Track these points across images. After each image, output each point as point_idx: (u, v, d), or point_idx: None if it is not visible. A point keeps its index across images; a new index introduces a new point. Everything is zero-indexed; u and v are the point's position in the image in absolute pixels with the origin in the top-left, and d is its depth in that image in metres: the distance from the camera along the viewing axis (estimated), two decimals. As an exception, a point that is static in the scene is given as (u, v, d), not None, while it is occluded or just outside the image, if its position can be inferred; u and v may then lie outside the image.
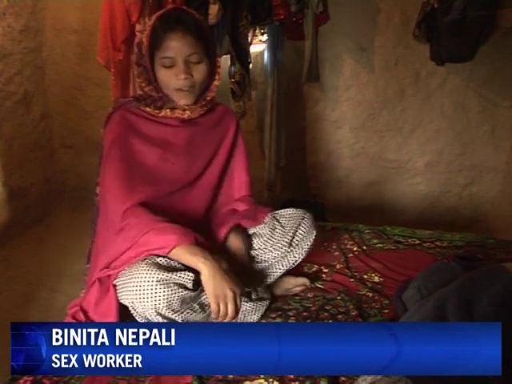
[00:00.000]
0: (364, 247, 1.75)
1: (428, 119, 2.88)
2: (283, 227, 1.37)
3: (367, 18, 2.74)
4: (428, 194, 3.04)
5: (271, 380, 1.04)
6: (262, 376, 1.06)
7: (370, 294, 1.43)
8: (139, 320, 1.08)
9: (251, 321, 1.25)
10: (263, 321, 1.29)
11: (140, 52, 1.27)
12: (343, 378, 1.05)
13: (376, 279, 1.53)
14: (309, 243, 1.38)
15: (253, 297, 1.32)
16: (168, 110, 1.28)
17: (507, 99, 2.74)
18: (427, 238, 1.83)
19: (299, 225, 1.37)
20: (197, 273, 1.07)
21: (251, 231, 1.37)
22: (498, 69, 2.68)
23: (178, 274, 1.05)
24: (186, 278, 1.06)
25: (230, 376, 1.07)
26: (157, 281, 1.03)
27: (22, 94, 2.72)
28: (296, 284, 1.42)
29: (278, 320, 1.30)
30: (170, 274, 1.04)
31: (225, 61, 2.51)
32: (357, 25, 2.76)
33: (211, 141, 1.37)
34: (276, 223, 1.37)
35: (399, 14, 2.69)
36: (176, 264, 1.09)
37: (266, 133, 2.79)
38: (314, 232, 1.38)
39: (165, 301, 1.03)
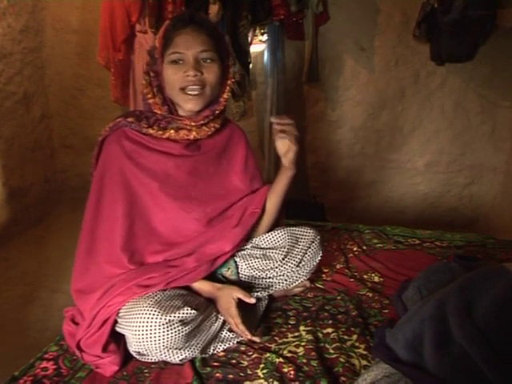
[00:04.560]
0: (364, 247, 1.75)
1: (428, 119, 2.88)
2: (294, 249, 1.34)
3: (367, 17, 2.74)
4: (428, 194, 3.04)
5: (271, 380, 1.04)
6: (261, 376, 1.06)
7: (370, 294, 1.42)
8: (132, 350, 1.09)
9: (253, 321, 1.25)
10: (263, 321, 1.29)
11: (152, 57, 1.18)
12: (343, 378, 1.05)
13: (376, 279, 1.52)
14: (314, 263, 1.39)
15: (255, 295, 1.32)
16: (172, 131, 1.18)
17: (507, 99, 2.74)
18: (427, 238, 1.83)
19: (309, 247, 1.36)
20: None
21: (263, 252, 1.34)
22: (498, 69, 2.68)
23: (181, 312, 1.04)
24: (188, 314, 1.05)
25: (230, 376, 1.07)
26: (163, 324, 1.01)
27: (22, 94, 2.73)
28: (296, 285, 1.42)
29: (278, 320, 1.30)
30: (173, 314, 1.02)
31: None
32: (357, 25, 2.76)
33: (215, 172, 1.29)
34: (288, 246, 1.34)
35: (399, 14, 2.70)
36: (173, 297, 1.09)
37: (265, 133, 2.79)
38: (321, 253, 1.39)
39: (172, 340, 1.03)
